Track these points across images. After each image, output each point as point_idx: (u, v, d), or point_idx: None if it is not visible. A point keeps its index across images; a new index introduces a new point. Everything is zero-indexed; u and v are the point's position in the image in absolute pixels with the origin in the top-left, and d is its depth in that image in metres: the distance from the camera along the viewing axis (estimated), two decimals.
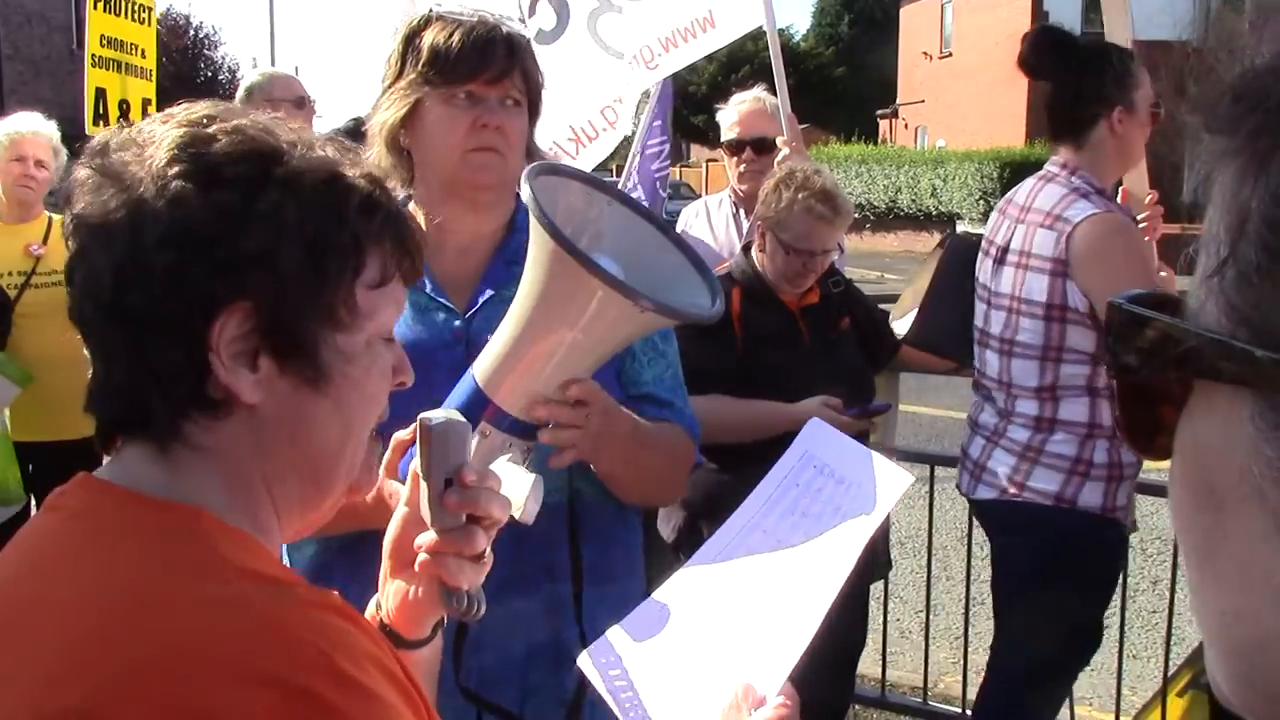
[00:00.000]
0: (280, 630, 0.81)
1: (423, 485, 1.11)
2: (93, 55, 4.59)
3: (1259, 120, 0.43)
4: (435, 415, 1.12)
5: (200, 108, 0.96)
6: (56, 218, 4.19)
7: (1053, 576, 2.67)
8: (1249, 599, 0.44)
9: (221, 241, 0.88)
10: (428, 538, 1.12)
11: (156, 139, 0.92)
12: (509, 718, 1.66)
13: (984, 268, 2.86)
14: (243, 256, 0.89)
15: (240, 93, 4.19)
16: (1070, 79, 2.69)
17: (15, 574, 0.89)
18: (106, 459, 0.96)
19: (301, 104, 4.05)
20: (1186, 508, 0.47)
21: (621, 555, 1.89)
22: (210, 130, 0.92)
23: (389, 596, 1.18)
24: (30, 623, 0.84)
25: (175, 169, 0.89)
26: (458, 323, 1.76)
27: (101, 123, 4.59)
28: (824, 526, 1.40)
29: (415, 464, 1.14)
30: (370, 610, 1.19)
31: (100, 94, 4.63)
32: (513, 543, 1.72)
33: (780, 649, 1.30)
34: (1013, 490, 2.69)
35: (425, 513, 1.12)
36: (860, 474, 1.46)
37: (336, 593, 0.90)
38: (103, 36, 4.63)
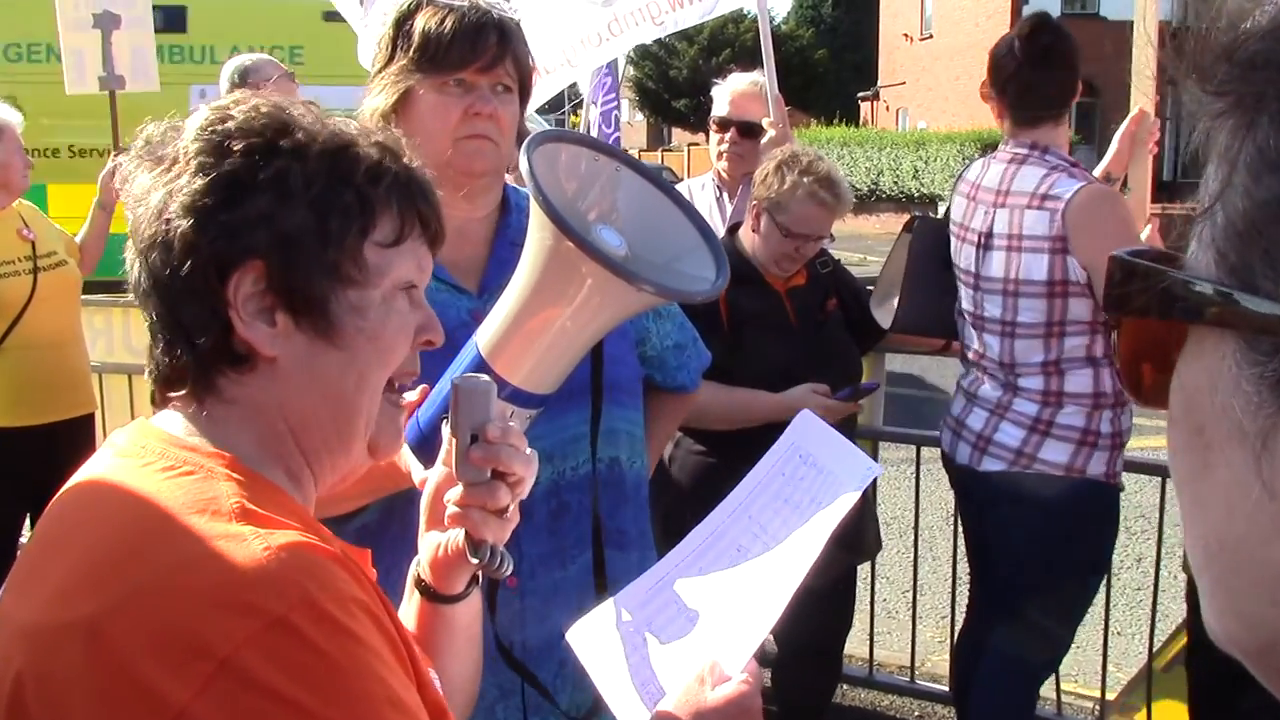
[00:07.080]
0: (268, 568, 0.87)
1: (453, 441, 1.17)
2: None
3: (1251, 80, 0.45)
4: (464, 376, 1.20)
5: (233, 95, 1.06)
6: (19, 204, 4.12)
7: (1062, 541, 2.79)
8: (1230, 527, 0.47)
9: (229, 206, 0.98)
10: (456, 492, 1.19)
11: (188, 124, 1.02)
12: (541, 691, 1.69)
13: (963, 254, 2.91)
14: (249, 219, 0.98)
15: (232, 77, 4.19)
16: (1061, 66, 2.78)
17: (69, 498, 1.02)
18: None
19: (292, 78, 4.22)
20: (1179, 447, 0.50)
21: (645, 523, 1.96)
22: (230, 109, 1.02)
23: (424, 550, 1.25)
24: (66, 542, 0.96)
25: (196, 145, 0.99)
26: (473, 305, 1.76)
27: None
28: (801, 514, 1.45)
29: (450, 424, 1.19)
30: (412, 569, 1.27)
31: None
32: (551, 518, 1.75)
33: (747, 630, 1.35)
34: (1024, 462, 2.78)
35: (454, 468, 1.18)
36: (837, 464, 1.51)
37: (340, 547, 0.97)
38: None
